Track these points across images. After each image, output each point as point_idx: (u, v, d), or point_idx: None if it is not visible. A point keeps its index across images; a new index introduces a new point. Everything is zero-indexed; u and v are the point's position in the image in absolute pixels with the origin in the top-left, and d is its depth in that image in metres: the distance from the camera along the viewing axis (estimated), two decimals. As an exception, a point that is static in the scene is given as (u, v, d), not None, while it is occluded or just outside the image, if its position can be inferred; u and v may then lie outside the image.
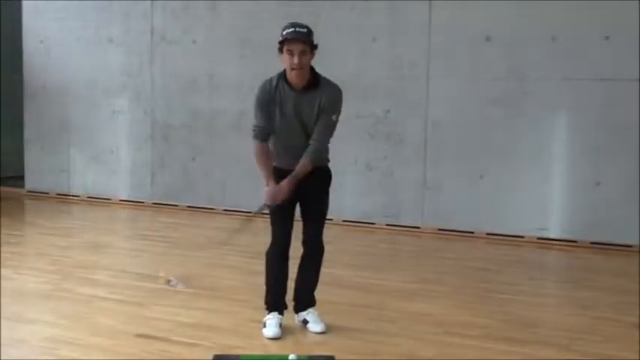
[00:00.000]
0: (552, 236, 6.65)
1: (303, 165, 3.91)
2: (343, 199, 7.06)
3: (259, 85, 3.97)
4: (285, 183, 3.89)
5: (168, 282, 4.36)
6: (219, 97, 7.87)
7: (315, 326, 4.14)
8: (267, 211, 4.03)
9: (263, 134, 3.96)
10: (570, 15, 6.45)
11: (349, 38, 7.22)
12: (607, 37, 6.34)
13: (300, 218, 4.13)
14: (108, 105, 8.40)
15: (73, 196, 8.64)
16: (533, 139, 6.65)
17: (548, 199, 6.65)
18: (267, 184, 3.93)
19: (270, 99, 3.91)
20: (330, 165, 4.14)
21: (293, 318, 4.23)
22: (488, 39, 6.75)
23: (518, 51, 6.65)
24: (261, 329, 4.09)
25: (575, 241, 6.57)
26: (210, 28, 7.86)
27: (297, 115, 3.91)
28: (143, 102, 8.24)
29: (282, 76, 3.92)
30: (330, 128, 3.95)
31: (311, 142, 3.94)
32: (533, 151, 6.66)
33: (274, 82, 3.92)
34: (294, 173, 3.90)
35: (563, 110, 6.55)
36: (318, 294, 4.26)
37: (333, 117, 3.93)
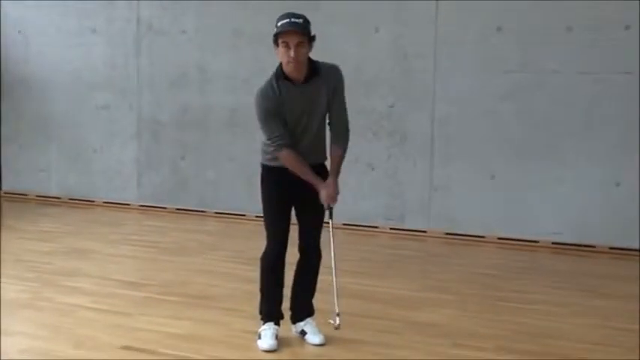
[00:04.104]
0: (568, 241, 6.65)
1: (339, 156, 4.02)
2: (344, 200, 6.98)
3: (258, 93, 3.91)
4: (332, 181, 3.98)
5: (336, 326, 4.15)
6: (210, 91, 7.86)
7: (313, 337, 4.13)
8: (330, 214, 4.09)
9: (286, 141, 3.92)
10: (587, 4, 6.44)
11: (350, 28, 7.21)
12: (627, 27, 6.33)
13: (296, 222, 4.14)
14: (91, 100, 8.39)
15: (53, 197, 8.63)
16: (548, 136, 6.65)
17: (564, 201, 6.65)
18: (319, 187, 3.96)
19: (277, 105, 3.88)
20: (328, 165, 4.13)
21: (290, 329, 4.22)
22: (499, 29, 6.74)
23: (532, 42, 6.64)
24: (255, 341, 4.09)
25: (593, 246, 6.57)
26: (201, 17, 7.85)
27: (306, 108, 3.93)
28: (129, 96, 8.23)
29: (280, 73, 3.89)
30: (345, 108, 4.04)
31: (334, 130, 4.01)
32: (548, 149, 6.66)
33: (274, 85, 3.88)
34: (335, 167, 4.00)
35: (580, 105, 6.55)
36: (316, 303, 4.26)
37: (344, 96, 4.02)
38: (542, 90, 6.63)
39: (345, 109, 4.04)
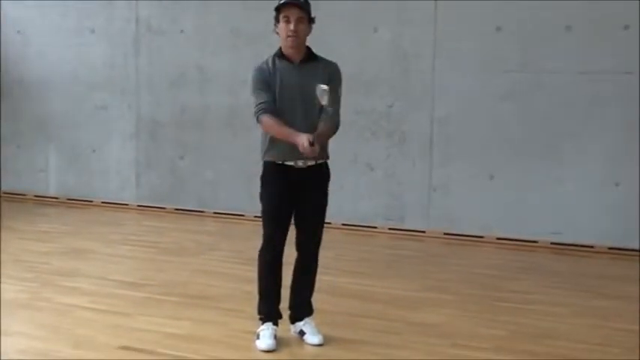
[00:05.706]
0: (568, 241, 6.64)
1: (325, 127, 3.85)
2: (342, 200, 7.05)
3: (254, 66, 3.98)
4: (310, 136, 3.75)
5: None
6: (209, 91, 7.86)
7: (312, 338, 4.13)
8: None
9: (270, 107, 3.90)
10: (587, 4, 6.44)
11: (350, 28, 7.21)
12: (627, 27, 6.33)
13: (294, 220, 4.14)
14: (90, 100, 8.39)
15: (51, 197, 8.63)
16: (548, 136, 6.65)
17: (563, 201, 6.64)
18: (297, 137, 3.75)
19: (269, 76, 3.93)
20: (329, 164, 4.13)
21: (288, 329, 4.23)
22: (498, 29, 6.74)
23: (532, 42, 6.64)
24: (254, 341, 4.09)
25: (592, 246, 6.57)
26: (200, 16, 7.85)
27: (301, 88, 3.92)
28: (127, 96, 8.23)
29: (278, 53, 3.96)
30: (338, 101, 4.00)
31: (325, 110, 3.87)
32: (548, 149, 6.66)
33: (270, 62, 3.96)
34: (318, 132, 3.81)
35: (580, 105, 6.55)
36: (315, 303, 4.26)
37: (339, 90, 4.00)
38: (542, 90, 6.63)
39: (338, 102, 3.96)
